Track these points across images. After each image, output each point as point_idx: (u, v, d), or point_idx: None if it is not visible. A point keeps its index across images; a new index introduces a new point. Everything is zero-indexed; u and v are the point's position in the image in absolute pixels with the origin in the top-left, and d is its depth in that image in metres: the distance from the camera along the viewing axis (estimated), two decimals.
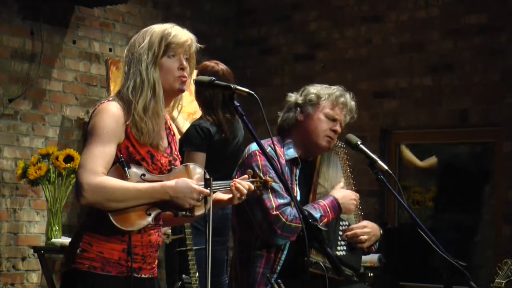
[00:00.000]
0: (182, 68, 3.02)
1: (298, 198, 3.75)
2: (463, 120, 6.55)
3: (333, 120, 3.82)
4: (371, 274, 5.72)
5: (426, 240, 3.38)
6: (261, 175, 3.23)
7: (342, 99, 3.84)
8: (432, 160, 6.96)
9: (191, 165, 3.07)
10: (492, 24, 6.44)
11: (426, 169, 7.01)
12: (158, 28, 3.03)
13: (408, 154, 7.02)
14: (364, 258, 5.42)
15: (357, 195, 3.88)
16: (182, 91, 3.06)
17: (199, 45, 3.10)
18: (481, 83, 6.45)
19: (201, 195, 2.94)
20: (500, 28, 6.41)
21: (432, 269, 6.17)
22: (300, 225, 3.54)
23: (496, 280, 4.03)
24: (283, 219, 3.63)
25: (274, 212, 3.63)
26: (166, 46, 3.00)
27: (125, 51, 3.06)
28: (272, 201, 3.65)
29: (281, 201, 3.66)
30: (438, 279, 5.81)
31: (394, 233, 6.53)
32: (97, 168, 2.86)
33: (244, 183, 3.10)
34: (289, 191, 3.09)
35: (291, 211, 3.65)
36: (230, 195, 3.10)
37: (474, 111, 6.49)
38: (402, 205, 3.53)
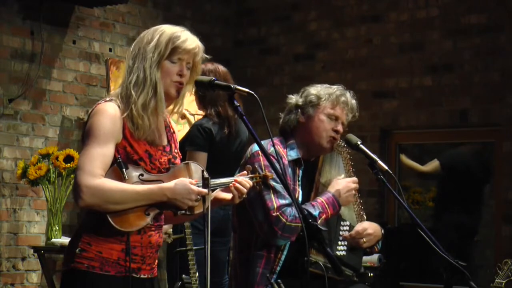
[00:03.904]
0: (180, 75, 3.02)
1: (300, 198, 3.75)
2: (463, 120, 6.55)
3: (335, 119, 3.81)
4: (371, 274, 5.71)
5: (426, 240, 3.37)
6: (260, 170, 3.23)
7: (342, 98, 3.83)
8: (434, 164, 6.95)
9: (192, 164, 3.07)
10: (492, 24, 6.44)
11: (429, 173, 7.00)
12: (168, 30, 3.02)
13: (408, 161, 7.02)
14: (364, 258, 5.43)
15: (355, 179, 3.84)
16: (176, 97, 3.05)
17: (205, 55, 3.09)
18: (481, 83, 6.45)
19: (199, 195, 2.95)
20: (500, 28, 6.41)
21: (432, 269, 6.17)
22: (300, 225, 3.56)
23: (496, 280, 4.03)
24: (283, 220, 3.63)
25: (275, 213, 3.63)
26: (172, 49, 2.99)
27: (133, 44, 3.05)
28: (274, 202, 3.65)
29: (283, 201, 3.66)
30: (438, 279, 5.81)
31: (394, 233, 6.52)
32: (95, 170, 2.87)
33: (244, 182, 3.11)
34: (289, 191, 3.08)
35: (290, 211, 3.65)
36: (231, 195, 3.10)
37: (474, 111, 6.49)
38: (402, 205, 3.53)
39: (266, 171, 3.33)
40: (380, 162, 3.62)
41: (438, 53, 6.66)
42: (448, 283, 3.34)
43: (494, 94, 6.38)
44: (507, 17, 6.39)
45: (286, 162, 3.75)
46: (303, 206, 3.67)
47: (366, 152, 3.66)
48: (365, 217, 3.99)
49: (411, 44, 6.78)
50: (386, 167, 3.60)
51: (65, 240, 5.35)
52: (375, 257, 5.70)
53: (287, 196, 3.66)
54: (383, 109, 6.89)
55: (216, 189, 3.10)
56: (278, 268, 3.69)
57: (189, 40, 3.02)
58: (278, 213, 3.63)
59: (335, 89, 3.86)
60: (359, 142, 3.73)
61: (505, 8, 6.40)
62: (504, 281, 4.01)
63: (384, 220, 6.74)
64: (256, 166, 3.62)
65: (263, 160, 3.67)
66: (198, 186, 2.97)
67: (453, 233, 6.72)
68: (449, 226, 6.77)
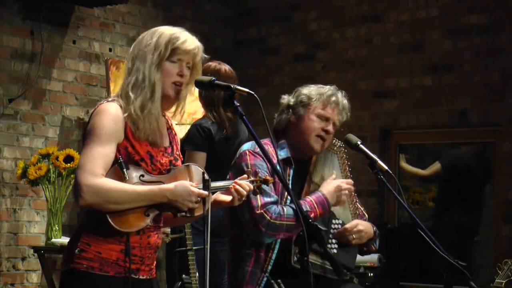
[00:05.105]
0: (180, 75, 3.02)
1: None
2: (463, 120, 6.55)
3: (325, 120, 3.80)
4: (371, 274, 5.72)
5: (426, 240, 3.37)
6: (261, 175, 3.23)
7: (333, 98, 3.82)
8: (435, 167, 6.94)
9: (193, 166, 3.07)
10: (492, 24, 6.44)
11: (431, 177, 6.99)
12: (167, 31, 3.02)
13: (409, 168, 7.01)
14: (364, 258, 5.43)
15: (349, 181, 3.82)
16: (176, 99, 3.05)
17: (205, 55, 3.09)
18: (481, 83, 6.45)
19: (200, 197, 2.95)
20: (500, 28, 6.41)
21: (432, 269, 6.17)
22: (284, 223, 3.58)
23: (496, 280, 4.03)
24: (267, 217, 3.62)
25: (259, 211, 3.62)
26: (172, 50, 2.99)
27: (132, 46, 3.06)
28: (258, 200, 3.64)
29: (267, 199, 3.65)
30: (438, 279, 5.82)
31: (394, 233, 6.53)
32: (96, 169, 2.87)
33: (244, 185, 3.11)
34: (288, 189, 3.08)
35: (275, 209, 3.65)
36: (231, 197, 3.11)
37: (474, 111, 6.49)
38: (402, 205, 3.53)
39: (253, 170, 3.32)
40: (380, 162, 3.61)
41: (438, 53, 6.67)
42: (448, 283, 3.35)
43: (494, 94, 6.38)
44: (507, 17, 6.39)
45: (275, 162, 3.74)
46: (291, 204, 3.67)
47: (366, 152, 3.66)
48: (366, 216, 3.98)
49: (411, 44, 6.78)
50: (386, 167, 3.60)
51: (65, 240, 5.34)
52: (375, 257, 5.71)
53: (272, 194, 3.67)
54: (383, 109, 6.89)
55: (216, 191, 3.10)
56: (270, 268, 3.68)
57: (189, 41, 3.02)
58: (262, 211, 3.62)
59: (327, 89, 3.85)
60: (359, 142, 3.73)
61: (505, 8, 6.40)
62: (504, 281, 4.01)
63: (384, 220, 6.74)
64: (243, 165, 3.63)
65: (250, 160, 3.68)
66: (199, 188, 2.97)
67: (453, 233, 6.72)
68: (449, 226, 6.77)
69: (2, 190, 5.94)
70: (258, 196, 3.61)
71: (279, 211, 3.64)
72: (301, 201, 3.71)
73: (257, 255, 3.69)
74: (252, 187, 3.15)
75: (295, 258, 3.60)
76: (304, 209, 3.64)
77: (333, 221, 3.85)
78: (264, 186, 3.60)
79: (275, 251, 3.69)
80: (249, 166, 3.62)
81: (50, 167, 5.58)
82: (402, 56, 6.81)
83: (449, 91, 6.59)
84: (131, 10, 6.82)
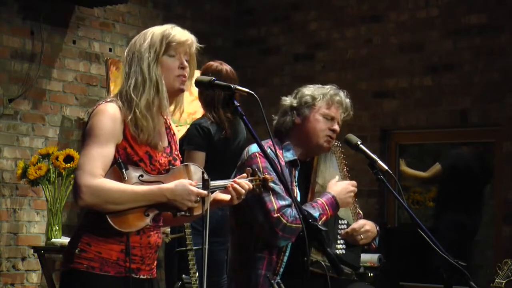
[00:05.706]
0: (182, 67, 3.03)
1: (298, 199, 3.75)
2: (463, 120, 6.55)
3: (331, 119, 3.81)
4: (371, 274, 5.71)
5: (426, 240, 3.37)
6: (260, 173, 3.23)
7: (337, 98, 3.83)
8: (436, 168, 6.94)
9: (191, 165, 3.07)
10: (492, 24, 6.44)
11: (432, 178, 6.99)
12: (158, 29, 3.05)
13: (409, 171, 7.01)
14: (364, 258, 5.43)
15: (354, 183, 3.84)
16: (182, 90, 3.06)
17: (199, 45, 3.10)
18: (481, 83, 6.45)
19: (199, 197, 2.95)
20: (500, 28, 6.41)
21: (432, 269, 6.17)
22: (300, 226, 3.56)
23: (496, 280, 4.03)
24: (284, 221, 3.63)
25: (276, 215, 3.63)
26: (167, 45, 3.00)
27: (125, 51, 3.06)
28: (274, 203, 3.64)
29: (283, 202, 3.66)
30: (438, 279, 5.81)
31: (394, 233, 6.53)
32: (95, 170, 2.87)
33: (243, 183, 3.11)
34: (289, 192, 3.09)
35: (291, 212, 3.65)
36: (230, 196, 3.11)
37: (474, 111, 6.49)
38: (402, 205, 3.53)
39: (265, 173, 3.32)
40: (380, 162, 3.61)
41: (438, 53, 6.67)
42: (448, 283, 3.34)
43: (494, 94, 6.38)
44: (507, 17, 6.39)
45: (283, 163, 3.74)
46: (303, 206, 3.67)
47: (366, 152, 3.66)
48: (361, 214, 3.99)
49: (411, 44, 6.78)
50: (386, 167, 3.60)
51: (65, 240, 5.34)
52: (375, 257, 5.71)
53: (286, 197, 3.66)
54: (383, 109, 6.89)
55: (216, 190, 3.10)
56: (281, 270, 3.69)
57: (181, 33, 3.04)
58: (278, 215, 3.63)
59: (329, 89, 3.86)
60: (359, 142, 3.73)
61: (505, 8, 6.40)
62: (504, 281, 4.01)
63: (384, 220, 6.74)
64: (254, 168, 3.62)
65: (261, 162, 3.67)
66: (198, 188, 2.97)
67: (453, 233, 6.72)
68: (449, 226, 6.77)
69: (2, 190, 5.94)
70: (272, 199, 3.62)
71: (294, 214, 3.64)
72: (313, 203, 3.72)
73: (270, 258, 3.69)
74: (251, 186, 3.15)
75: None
76: (318, 212, 3.66)
77: (339, 221, 3.86)
78: (277, 189, 3.61)
79: (287, 254, 3.70)
80: (261, 169, 3.60)
81: (50, 167, 5.58)
82: (402, 56, 6.81)
83: (449, 91, 6.59)
84: (131, 10, 6.82)
